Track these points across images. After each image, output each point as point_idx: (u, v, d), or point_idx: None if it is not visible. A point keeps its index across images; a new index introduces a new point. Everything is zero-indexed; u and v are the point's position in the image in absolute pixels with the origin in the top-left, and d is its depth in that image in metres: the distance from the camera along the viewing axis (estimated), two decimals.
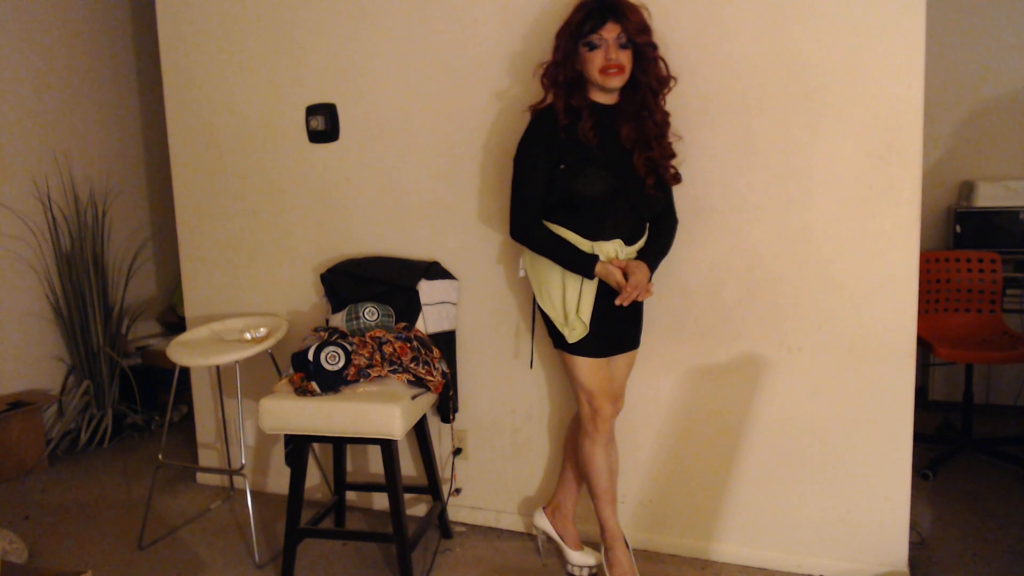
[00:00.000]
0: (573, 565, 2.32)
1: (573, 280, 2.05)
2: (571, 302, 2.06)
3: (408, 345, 2.30)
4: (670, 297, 2.31)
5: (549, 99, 2.07)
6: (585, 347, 2.08)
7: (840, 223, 2.13)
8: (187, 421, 3.61)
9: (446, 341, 2.51)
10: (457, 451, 2.63)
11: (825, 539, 2.25)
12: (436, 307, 2.47)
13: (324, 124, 2.69)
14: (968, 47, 3.70)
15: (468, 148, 2.51)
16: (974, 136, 3.77)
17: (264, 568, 2.44)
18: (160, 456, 2.65)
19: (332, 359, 2.22)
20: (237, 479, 3.05)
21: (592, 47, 1.96)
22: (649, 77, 2.03)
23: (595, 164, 2.00)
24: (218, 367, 2.99)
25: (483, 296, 2.56)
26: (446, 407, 2.48)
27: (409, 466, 2.75)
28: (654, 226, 2.15)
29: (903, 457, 2.15)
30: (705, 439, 2.35)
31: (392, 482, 2.20)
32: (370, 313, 2.43)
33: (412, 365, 2.28)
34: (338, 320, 2.46)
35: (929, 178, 3.69)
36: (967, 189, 3.65)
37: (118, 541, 2.64)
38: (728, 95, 2.19)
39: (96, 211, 3.73)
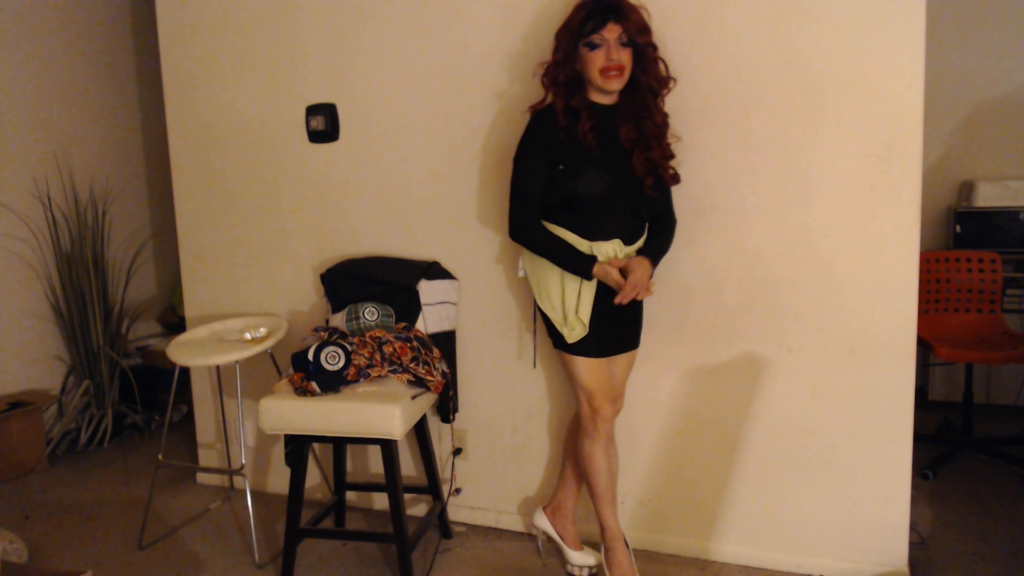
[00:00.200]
0: (573, 565, 2.32)
1: (572, 280, 2.05)
2: (570, 302, 2.06)
3: (408, 345, 2.30)
4: (670, 297, 2.31)
5: (549, 99, 2.07)
6: (585, 347, 2.08)
7: (840, 223, 2.13)
8: (187, 421, 3.61)
9: (446, 341, 2.51)
10: (457, 451, 2.63)
11: (825, 539, 2.25)
12: (436, 307, 2.47)
13: (324, 124, 2.69)
14: (968, 47, 3.70)
15: (468, 148, 2.51)
16: (974, 136, 3.77)
17: (264, 568, 2.44)
18: (160, 456, 2.65)
19: (332, 359, 2.22)
20: (237, 479, 3.05)
21: (593, 47, 1.96)
22: (649, 77, 2.03)
23: (594, 165, 2.00)
24: (218, 367, 2.99)
25: (483, 296, 2.56)
26: (446, 407, 2.48)
27: (409, 466, 2.75)
28: (653, 226, 2.15)
29: (903, 457, 2.15)
30: (705, 439, 2.35)
31: (392, 482, 2.20)
32: (370, 313, 2.43)
33: (412, 365, 2.28)
34: (338, 320, 2.46)
35: (929, 178, 3.69)
36: (967, 189, 3.65)
37: (118, 541, 2.64)
38: (728, 95, 2.19)
39: (96, 211, 3.73)
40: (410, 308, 2.44)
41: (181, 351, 2.53)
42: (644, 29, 1.99)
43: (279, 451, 2.97)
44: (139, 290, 4.08)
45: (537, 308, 2.18)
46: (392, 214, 2.66)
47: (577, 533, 2.36)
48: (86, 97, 3.80)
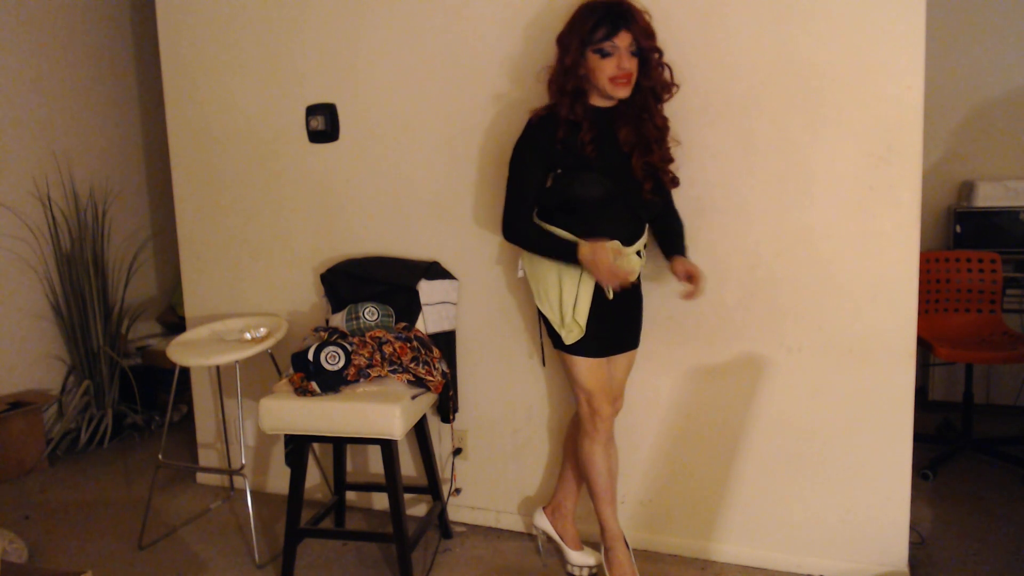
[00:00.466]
0: (573, 565, 2.32)
1: (570, 282, 2.05)
2: (567, 304, 2.06)
3: (408, 345, 2.30)
4: (670, 297, 2.31)
5: (551, 101, 2.06)
6: (584, 347, 2.08)
7: (840, 223, 2.13)
8: (187, 421, 3.61)
9: (446, 341, 2.51)
10: (457, 451, 2.63)
11: (825, 539, 2.25)
12: (436, 307, 2.47)
13: (324, 124, 2.69)
14: (968, 47, 3.70)
15: (468, 148, 2.51)
16: (974, 136, 3.77)
17: (264, 568, 2.44)
18: (160, 456, 2.65)
19: (332, 359, 2.22)
20: (237, 479, 3.05)
21: (604, 55, 1.93)
22: (652, 82, 2.01)
23: (593, 169, 1.99)
24: (218, 367, 2.98)
25: (483, 296, 2.56)
26: (446, 407, 2.48)
27: (409, 466, 2.75)
28: (667, 225, 2.17)
29: (903, 457, 2.15)
30: (705, 439, 2.35)
31: (392, 482, 2.20)
32: (370, 313, 2.43)
33: (412, 365, 2.28)
34: (338, 320, 2.46)
35: (929, 178, 3.69)
36: (967, 189, 3.65)
37: (118, 541, 2.64)
38: (728, 95, 2.19)
39: (96, 211, 3.73)
40: (410, 308, 2.44)
41: (181, 351, 2.53)
42: (651, 34, 1.98)
43: (279, 451, 2.97)
44: (139, 290, 4.07)
45: (538, 308, 2.18)
46: (392, 214, 2.66)
47: (577, 533, 2.36)
48: (86, 97, 3.80)
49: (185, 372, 3.18)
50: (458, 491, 2.66)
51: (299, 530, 2.28)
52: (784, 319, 2.22)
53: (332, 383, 2.22)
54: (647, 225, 2.15)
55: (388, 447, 2.19)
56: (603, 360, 2.12)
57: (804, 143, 2.14)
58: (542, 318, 2.16)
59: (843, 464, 2.21)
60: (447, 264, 2.58)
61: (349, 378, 2.23)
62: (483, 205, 2.52)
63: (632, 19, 1.93)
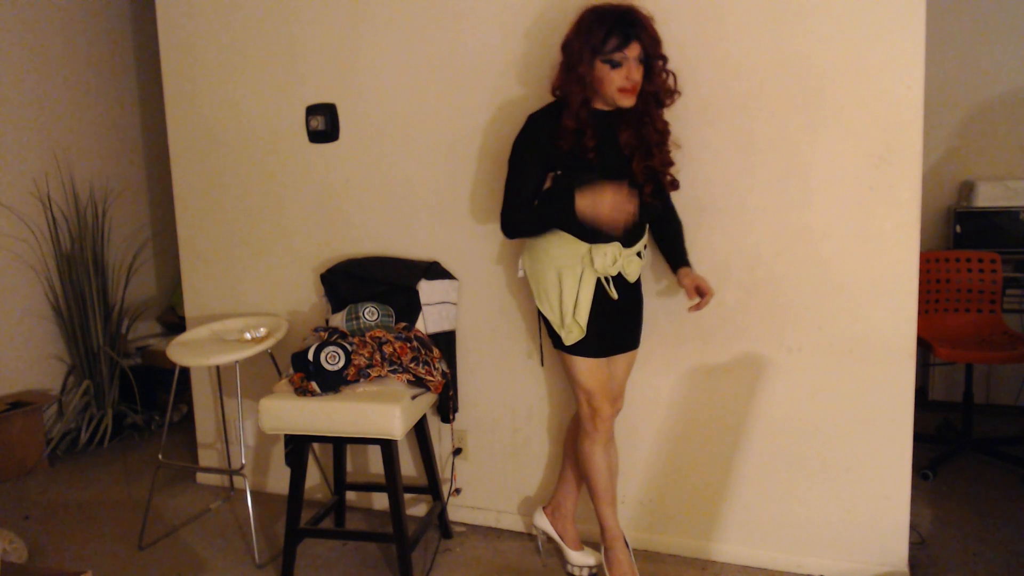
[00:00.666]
0: (573, 565, 2.32)
1: (570, 283, 2.05)
2: (568, 304, 2.06)
3: (408, 345, 2.30)
4: (670, 297, 2.31)
5: (553, 103, 2.05)
6: (584, 347, 2.08)
7: (840, 223, 2.13)
8: (187, 421, 3.61)
9: (446, 341, 2.51)
10: (457, 451, 2.63)
11: (825, 539, 2.25)
12: (436, 307, 2.47)
13: (324, 124, 2.69)
14: (968, 47, 3.70)
15: (468, 147, 2.51)
16: (974, 136, 3.77)
17: (264, 568, 2.44)
18: (160, 456, 2.65)
19: (332, 359, 2.22)
20: (237, 479, 3.05)
21: (614, 65, 1.92)
22: (655, 87, 2.00)
23: (593, 171, 1.99)
24: (218, 367, 2.98)
25: (483, 296, 2.56)
26: (446, 407, 2.48)
27: (409, 466, 2.75)
28: (659, 224, 2.16)
29: (903, 457, 2.15)
30: (705, 439, 2.35)
31: (392, 482, 2.20)
32: (370, 313, 2.43)
33: (412, 365, 2.28)
34: (338, 320, 2.46)
35: (929, 178, 3.69)
36: (967, 189, 3.65)
37: (118, 541, 2.64)
38: (728, 95, 2.19)
39: (96, 211, 3.73)
40: (410, 308, 2.44)
41: (181, 351, 2.53)
42: (658, 42, 1.97)
43: (279, 451, 2.97)
44: (139, 290, 4.08)
45: (538, 308, 2.18)
46: (392, 214, 2.66)
47: (577, 533, 2.36)
48: (86, 97, 3.80)
49: (185, 372, 3.18)
50: (458, 491, 2.66)
51: (299, 530, 2.28)
52: (784, 319, 2.22)
53: (332, 383, 2.22)
54: (647, 226, 2.15)
55: (388, 447, 2.19)
56: (603, 360, 2.12)
57: (804, 143, 2.14)
58: (542, 318, 2.16)
59: (843, 464, 2.21)
60: (447, 264, 2.58)
61: (349, 378, 2.23)
62: (483, 205, 2.51)
63: (642, 28, 1.92)
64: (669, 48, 2.09)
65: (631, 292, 2.16)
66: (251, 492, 2.58)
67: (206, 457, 3.19)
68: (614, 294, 2.06)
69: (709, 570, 2.34)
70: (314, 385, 2.20)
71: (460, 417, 2.63)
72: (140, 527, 2.66)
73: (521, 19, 2.37)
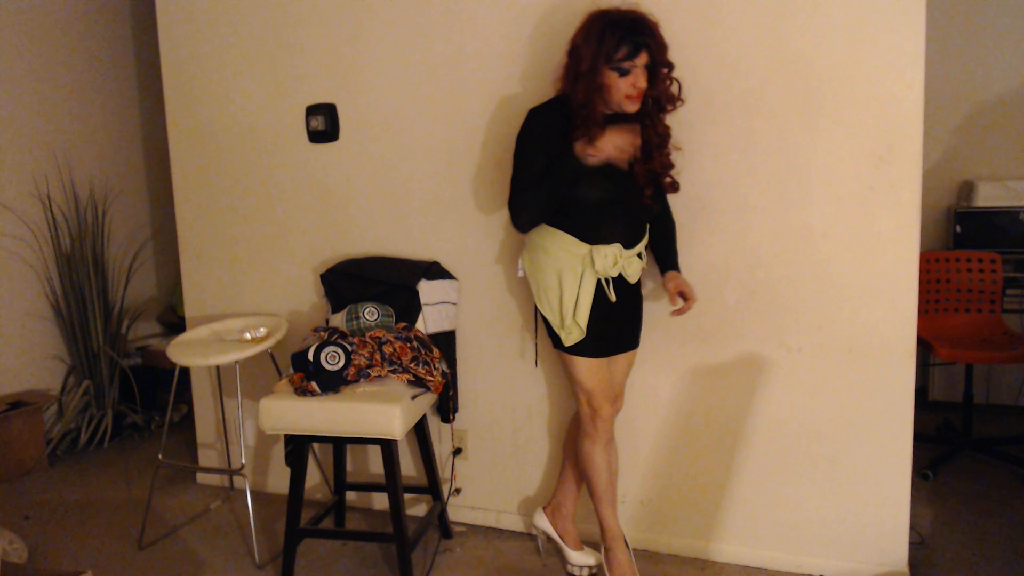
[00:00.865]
0: (573, 565, 2.32)
1: (570, 283, 2.05)
2: (568, 305, 2.06)
3: (408, 345, 2.30)
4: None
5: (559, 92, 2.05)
6: (584, 347, 2.08)
7: (840, 223, 2.13)
8: (187, 421, 3.61)
9: (446, 341, 2.51)
10: (457, 451, 2.63)
11: (825, 539, 2.25)
12: (436, 307, 2.47)
13: (324, 124, 2.69)
14: (968, 47, 3.70)
15: (468, 148, 2.51)
16: (974, 136, 3.77)
17: (264, 568, 2.44)
18: (160, 456, 2.65)
19: (332, 359, 2.22)
20: (237, 479, 3.05)
21: (623, 73, 1.92)
22: (658, 92, 2.00)
23: (594, 171, 1.99)
24: (218, 367, 2.98)
25: (483, 296, 2.56)
26: (446, 407, 2.48)
27: (409, 466, 2.75)
28: (660, 231, 2.17)
29: (903, 457, 2.15)
30: (705, 439, 2.35)
31: (392, 482, 2.20)
32: (370, 313, 2.43)
33: (412, 365, 2.28)
34: (338, 320, 2.46)
35: (929, 178, 3.69)
36: (967, 189, 3.65)
37: (118, 541, 2.64)
38: (729, 95, 2.19)
39: (96, 211, 3.73)
40: (410, 308, 2.44)
41: (181, 351, 2.53)
42: (665, 49, 1.97)
43: (279, 451, 2.97)
44: (139, 290, 4.08)
45: (537, 308, 2.18)
46: (392, 214, 2.66)
47: (577, 533, 2.36)
48: (86, 97, 3.80)
49: (185, 372, 3.18)
50: (458, 491, 2.66)
51: (299, 530, 2.28)
52: (784, 319, 2.22)
53: (332, 383, 2.22)
54: (647, 227, 2.15)
55: (388, 447, 2.19)
56: (603, 360, 2.12)
57: (804, 143, 2.14)
58: (541, 318, 2.16)
59: (843, 464, 2.21)
60: (447, 264, 2.58)
61: (349, 378, 2.23)
62: (483, 205, 2.51)
63: (651, 36, 1.92)
64: (670, 48, 2.09)
65: (631, 292, 2.16)
66: (251, 492, 2.58)
67: (206, 457, 3.19)
68: (613, 296, 2.06)
69: (709, 570, 2.34)
70: (314, 385, 2.20)
71: (460, 417, 2.63)
72: (140, 527, 2.66)
73: (522, 19, 2.37)
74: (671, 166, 2.10)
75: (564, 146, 2.00)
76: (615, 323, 2.13)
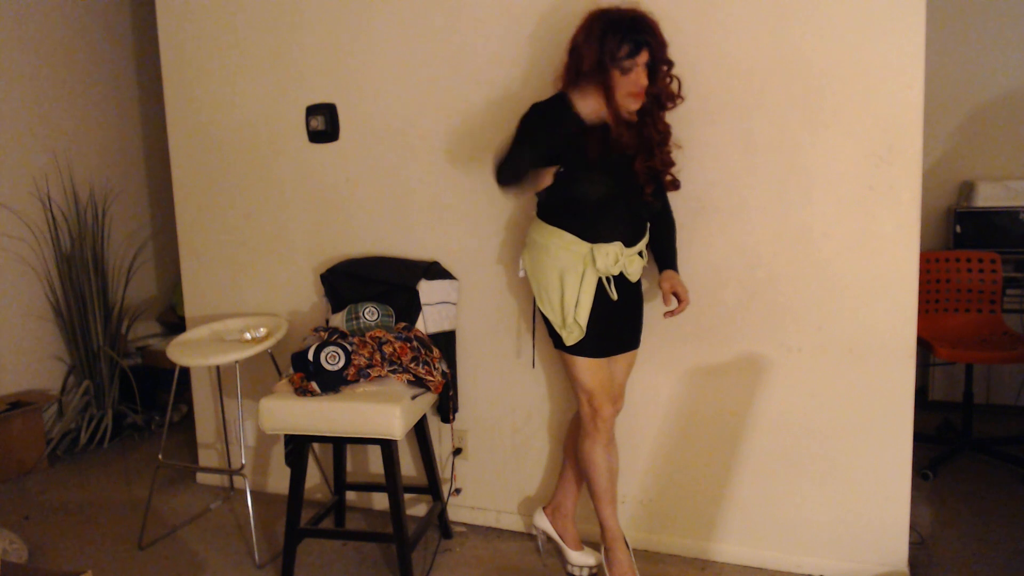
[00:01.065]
0: (573, 565, 2.32)
1: (571, 282, 2.05)
2: (569, 305, 2.06)
3: (408, 345, 2.30)
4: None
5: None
6: (585, 347, 2.08)
7: (840, 223, 2.13)
8: (187, 421, 3.61)
9: (446, 341, 2.51)
10: (457, 451, 2.63)
11: (825, 539, 2.25)
12: (436, 307, 2.47)
13: (324, 124, 2.69)
14: (968, 47, 3.70)
15: (468, 148, 2.51)
16: (974, 136, 3.77)
17: (264, 568, 2.44)
18: (160, 456, 2.65)
19: (332, 359, 2.22)
20: (237, 479, 3.05)
21: (625, 72, 1.92)
22: (658, 90, 2.00)
23: (594, 169, 1.99)
24: (218, 367, 2.99)
25: (483, 296, 2.56)
26: (446, 407, 2.48)
27: (409, 466, 2.75)
28: (659, 230, 2.17)
29: (903, 457, 2.15)
30: (705, 439, 2.35)
31: (392, 482, 2.20)
32: (370, 313, 2.43)
33: (412, 365, 2.28)
34: (338, 320, 2.46)
35: (929, 178, 3.69)
36: (967, 189, 3.65)
37: (118, 541, 2.64)
38: (728, 95, 2.19)
39: (96, 211, 3.73)
40: (410, 308, 2.44)
41: (181, 351, 2.53)
42: (664, 47, 1.97)
43: (279, 451, 2.97)
44: (139, 290, 4.08)
45: (537, 308, 2.18)
46: (392, 214, 2.66)
47: (577, 533, 2.36)
48: (86, 97, 3.80)
49: (185, 372, 3.18)
50: (458, 491, 2.66)
51: (299, 530, 2.28)
52: (784, 319, 2.22)
53: (332, 383, 2.22)
54: (648, 226, 2.15)
55: (388, 447, 2.19)
56: (604, 360, 2.12)
57: (804, 143, 2.14)
58: (542, 318, 2.16)
59: (843, 464, 2.21)
60: (447, 264, 2.58)
61: (349, 378, 2.23)
62: (484, 204, 2.51)
63: (652, 35, 1.93)
64: (670, 48, 2.09)
65: (632, 292, 2.16)
66: (251, 492, 2.58)
67: (206, 457, 3.19)
68: (614, 295, 2.06)
69: (709, 570, 2.34)
70: (314, 385, 2.20)
71: (460, 417, 2.63)
72: (140, 527, 2.66)
73: (523, 19, 2.37)
74: (672, 164, 2.11)
75: (562, 140, 1.99)
76: (616, 323, 2.13)
